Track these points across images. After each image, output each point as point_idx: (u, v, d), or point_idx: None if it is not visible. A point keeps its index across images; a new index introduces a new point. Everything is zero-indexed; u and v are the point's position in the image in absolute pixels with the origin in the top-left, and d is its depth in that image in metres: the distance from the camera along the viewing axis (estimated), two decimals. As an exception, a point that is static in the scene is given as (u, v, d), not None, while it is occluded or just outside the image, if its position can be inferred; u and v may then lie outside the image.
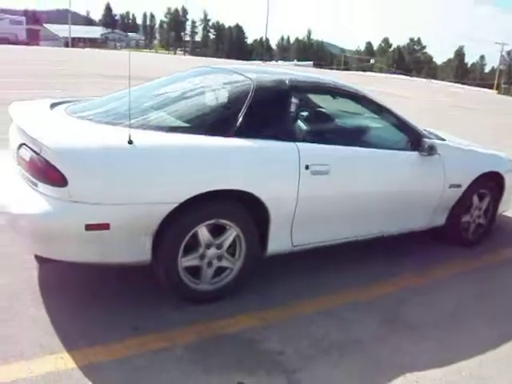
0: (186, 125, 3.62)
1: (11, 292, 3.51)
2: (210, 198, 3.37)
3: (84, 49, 53.16)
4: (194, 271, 3.52)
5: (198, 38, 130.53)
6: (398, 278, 4.39)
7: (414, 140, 4.47)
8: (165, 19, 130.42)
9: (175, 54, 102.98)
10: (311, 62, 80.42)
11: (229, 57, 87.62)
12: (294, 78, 4.22)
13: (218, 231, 3.52)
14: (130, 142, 3.13)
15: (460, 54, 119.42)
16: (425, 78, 64.51)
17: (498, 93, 42.62)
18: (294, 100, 3.91)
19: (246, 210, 3.57)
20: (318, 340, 3.32)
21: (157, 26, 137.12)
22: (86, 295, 3.62)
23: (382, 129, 4.62)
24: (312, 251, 4.13)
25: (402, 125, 4.52)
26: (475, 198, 5.09)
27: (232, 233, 3.54)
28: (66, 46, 59.57)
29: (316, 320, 3.56)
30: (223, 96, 3.98)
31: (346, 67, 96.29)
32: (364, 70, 77.57)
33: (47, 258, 3.28)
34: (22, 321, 3.21)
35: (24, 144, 3.31)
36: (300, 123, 4.14)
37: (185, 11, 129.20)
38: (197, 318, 3.41)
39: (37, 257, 3.51)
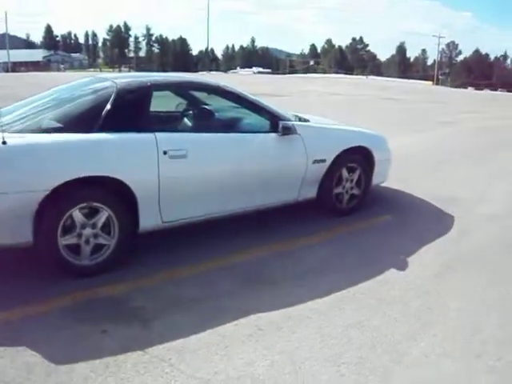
0: (57, 125, 4.20)
1: None
2: (80, 185, 3.96)
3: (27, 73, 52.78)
4: (74, 249, 4.07)
5: (142, 53, 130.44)
6: (267, 245, 4.99)
7: (273, 123, 5.10)
8: (107, 37, 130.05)
9: (120, 71, 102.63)
10: (254, 69, 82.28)
11: (175, 70, 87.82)
12: (156, 80, 4.93)
13: (93, 213, 4.08)
14: (4, 143, 3.70)
15: (401, 49, 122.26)
16: (364, 75, 66.24)
17: (433, 84, 44.04)
18: (152, 97, 4.54)
19: (115, 193, 4.15)
20: (178, 298, 3.88)
21: (100, 44, 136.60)
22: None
23: (242, 116, 5.27)
24: (187, 226, 4.73)
25: (260, 110, 5.16)
26: (344, 172, 5.72)
27: (104, 214, 4.10)
28: (6, 71, 59.04)
29: (182, 283, 4.13)
30: (92, 99, 4.54)
31: (292, 70, 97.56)
32: (307, 72, 78.95)
33: None
34: None
35: None
36: (162, 116, 4.78)
37: (127, 27, 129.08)
38: (76, 288, 3.95)
39: None
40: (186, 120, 5.04)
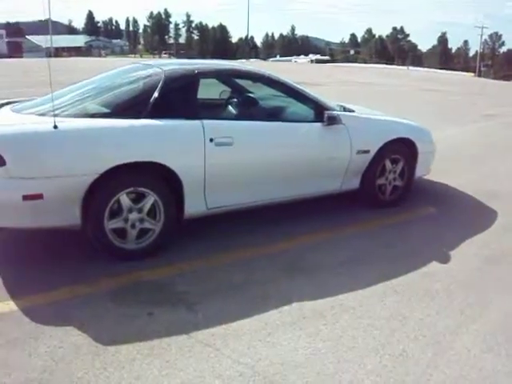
0: (106, 111, 4.30)
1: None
2: (127, 170, 4.03)
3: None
4: (121, 232, 4.15)
5: (181, 40, 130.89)
6: (308, 234, 5.01)
7: (318, 112, 5.10)
8: (148, 24, 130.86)
9: (160, 57, 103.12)
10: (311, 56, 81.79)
11: (214, 57, 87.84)
12: (203, 67, 4.96)
13: (139, 198, 4.16)
14: (55, 127, 3.81)
15: (443, 40, 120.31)
16: (404, 65, 65.52)
17: (475, 75, 43.33)
18: (200, 84, 4.58)
19: (162, 178, 4.21)
20: (221, 283, 3.94)
21: (140, 30, 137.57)
22: (32, 257, 4.29)
23: (288, 105, 5.30)
24: (229, 213, 4.79)
25: (305, 100, 5.17)
26: (388, 163, 5.68)
27: (150, 199, 4.17)
28: (49, 56, 59.87)
29: (225, 269, 4.19)
30: (140, 85, 4.61)
31: (332, 59, 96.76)
32: (349, 62, 78.35)
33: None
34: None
35: None
36: (209, 104, 4.82)
37: (167, 14, 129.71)
38: (121, 271, 4.04)
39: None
40: (231, 108, 5.04)
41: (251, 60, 66.66)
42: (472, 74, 44.73)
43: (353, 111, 5.68)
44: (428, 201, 6.30)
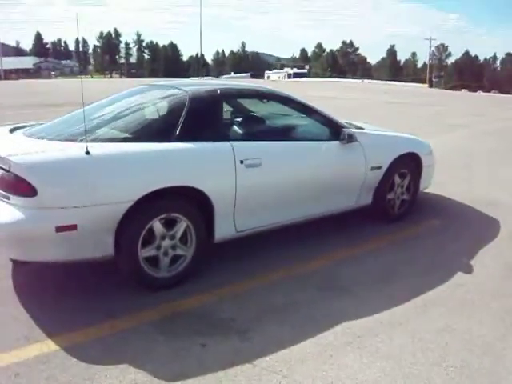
0: (135, 135, 4.17)
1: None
2: (161, 195, 3.92)
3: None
4: (153, 261, 4.03)
5: (132, 59, 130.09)
6: (332, 252, 5.01)
7: (335, 131, 5.14)
8: (98, 43, 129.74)
9: (111, 77, 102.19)
10: (248, 74, 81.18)
11: (166, 76, 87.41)
12: (226, 87, 4.90)
13: (171, 224, 4.05)
14: (88, 153, 3.66)
15: (392, 52, 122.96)
16: (356, 78, 66.47)
17: (429, 86, 44.41)
18: (226, 105, 4.54)
19: (193, 203, 4.13)
20: (263, 307, 3.87)
21: (90, 51, 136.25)
22: (59, 291, 4.10)
23: (306, 124, 5.30)
24: (256, 235, 4.74)
25: (323, 119, 5.20)
26: (397, 177, 5.76)
27: (182, 224, 4.08)
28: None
29: (263, 292, 4.13)
30: (164, 108, 4.57)
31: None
32: (300, 77, 79.01)
33: (24, 262, 3.82)
34: (5, 320, 3.65)
35: None
36: (234, 125, 4.80)
37: (118, 34, 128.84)
38: (156, 300, 3.91)
39: (14, 261, 3.95)
40: (255, 128, 4.98)
41: (204, 78, 66.47)
42: (426, 85, 45.87)
43: (362, 128, 5.73)
44: (431, 213, 6.40)
